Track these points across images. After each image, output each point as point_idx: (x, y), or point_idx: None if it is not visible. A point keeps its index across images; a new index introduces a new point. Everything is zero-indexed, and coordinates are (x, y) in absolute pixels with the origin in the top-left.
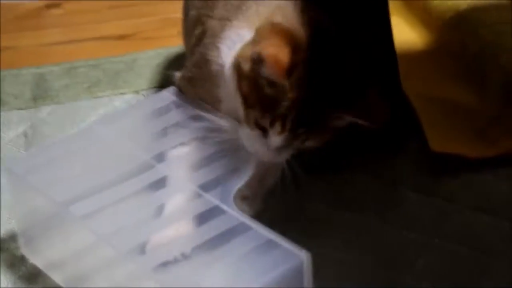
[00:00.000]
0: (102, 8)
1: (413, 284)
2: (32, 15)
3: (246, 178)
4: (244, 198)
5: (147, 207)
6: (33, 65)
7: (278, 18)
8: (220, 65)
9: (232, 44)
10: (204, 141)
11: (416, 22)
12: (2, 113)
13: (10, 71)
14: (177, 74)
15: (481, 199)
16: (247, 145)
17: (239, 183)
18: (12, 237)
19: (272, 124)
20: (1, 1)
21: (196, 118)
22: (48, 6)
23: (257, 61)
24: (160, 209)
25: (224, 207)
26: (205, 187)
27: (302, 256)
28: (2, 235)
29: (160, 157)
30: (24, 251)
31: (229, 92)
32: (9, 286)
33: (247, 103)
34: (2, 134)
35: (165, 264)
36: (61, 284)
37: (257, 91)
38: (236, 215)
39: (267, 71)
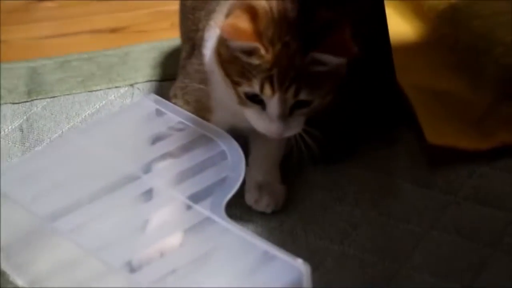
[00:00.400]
0: (94, 1)
1: (410, 275)
2: (24, 8)
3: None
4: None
5: (135, 220)
6: (26, 58)
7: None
8: (206, 72)
9: (211, 44)
10: (189, 150)
11: (409, 14)
12: None
13: (3, 65)
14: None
15: (479, 191)
16: (256, 127)
17: (229, 192)
18: None
19: (262, 89)
20: None
21: (180, 127)
22: None
23: (224, 34)
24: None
25: (216, 218)
26: (194, 198)
27: (302, 268)
28: None
29: (145, 168)
30: (4, 266)
31: (220, 99)
32: None
33: (233, 81)
34: None
35: (157, 280)
36: None
37: (237, 64)
38: (229, 226)
39: (233, 39)
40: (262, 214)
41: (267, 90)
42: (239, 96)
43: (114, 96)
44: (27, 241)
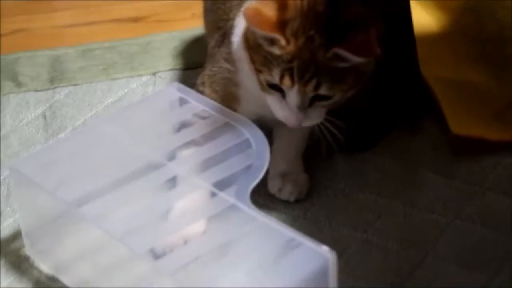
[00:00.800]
0: None
1: (435, 264)
2: None
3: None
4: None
5: (160, 207)
6: (47, 47)
7: None
8: (235, 60)
9: (240, 31)
10: (213, 138)
11: (433, 5)
12: (20, 94)
13: (25, 53)
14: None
15: (503, 182)
16: (276, 114)
17: (254, 180)
18: (16, 238)
19: (281, 80)
20: None
21: (204, 115)
22: None
23: (245, 18)
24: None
25: (241, 205)
26: (219, 185)
27: (328, 255)
28: (6, 237)
29: (169, 155)
30: (29, 252)
31: (247, 88)
32: (14, 287)
33: (256, 68)
34: (20, 116)
35: (180, 267)
36: (70, 285)
37: (260, 52)
38: (254, 214)
39: (253, 25)
40: (286, 202)
41: (287, 81)
42: (261, 83)
43: (136, 85)
44: (52, 227)
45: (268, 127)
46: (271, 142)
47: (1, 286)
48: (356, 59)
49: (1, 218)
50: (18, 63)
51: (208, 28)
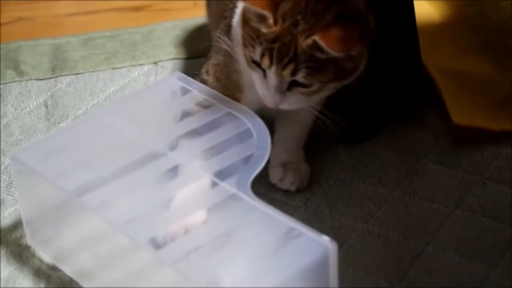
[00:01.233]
0: None
1: (435, 254)
2: None
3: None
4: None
5: (161, 197)
6: (50, 36)
7: None
8: (234, 45)
9: (239, 11)
10: (215, 127)
11: None
12: (21, 83)
13: (27, 42)
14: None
15: (504, 172)
16: (258, 92)
17: (255, 170)
18: (17, 228)
19: (261, 58)
20: None
21: (206, 104)
22: None
23: None
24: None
25: (242, 195)
26: (220, 175)
27: (328, 245)
28: (7, 226)
29: (171, 144)
30: (30, 242)
31: (248, 77)
32: (15, 276)
33: (243, 43)
34: (22, 105)
35: (181, 256)
36: (70, 274)
37: (248, 26)
38: (255, 203)
39: (249, 1)
40: (287, 192)
41: (266, 60)
42: (246, 59)
43: (138, 74)
44: (53, 216)
45: (270, 117)
46: (272, 132)
47: (2, 275)
48: (332, 52)
49: (3, 207)
50: (20, 52)
51: (212, 18)
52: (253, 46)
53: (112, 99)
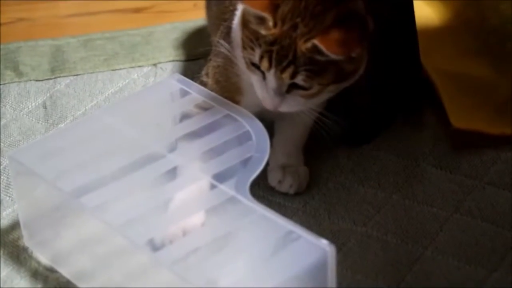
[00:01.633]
0: None
1: (434, 258)
2: None
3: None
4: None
5: (159, 198)
6: (49, 37)
7: None
8: (233, 48)
9: (239, 13)
10: (214, 130)
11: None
12: (20, 84)
13: (27, 43)
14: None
15: (503, 176)
16: (258, 95)
17: (254, 173)
18: (14, 229)
19: (260, 61)
20: None
21: (205, 106)
22: None
23: None
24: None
25: (240, 197)
26: (219, 177)
27: (327, 248)
28: (5, 227)
29: (170, 146)
30: (28, 243)
31: (247, 80)
32: (12, 277)
33: (243, 45)
34: (20, 105)
35: (179, 258)
36: (68, 276)
37: (248, 29)
38: (253, 206)
39: (248, 3)
40: (285, 195)
41: (265, 63)
42: (245, 61)
43: (137, 75)
44: (51, 217)
45: (270, 120)
46: (272, 134)
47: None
48: (331, 55)
49: (1, 208)
50: (19, 53)
51: (212, 20)
52: (252, 49)
53: (111, 101)
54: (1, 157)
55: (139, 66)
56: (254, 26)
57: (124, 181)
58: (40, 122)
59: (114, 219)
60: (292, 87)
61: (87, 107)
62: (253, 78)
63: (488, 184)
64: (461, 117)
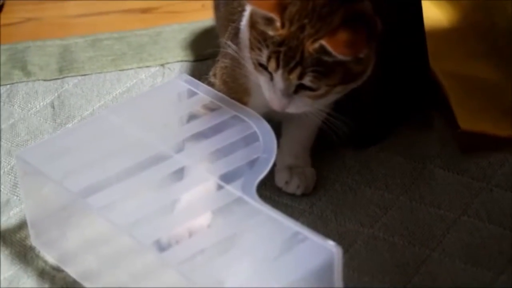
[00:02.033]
0: None
1: (441, 260)
2: None
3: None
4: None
5: (166, 199)
6: (57, 36)
7: None
8: (241, 48)
9: (247, 14)
10: (221, 130)
11: (442, 1)
12: (28, 83)
13: (35, 43)
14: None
15: (511, 178)
16: (265, 95)
17: (260, 174)
18: (22, 228)
19: (268, 61)
20: None
21: (212, 107)
22: None
23: None
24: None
25: (247, 198)
26: (226, 178)
27: (333, 250)
28: (12, 226)
29: (177, 147)
30: (35, 243)
31: (255, 80)
32: (19, 277)
33: (250, 46)
34: (28, 105)
35: (185, 259)
36: (74, 275)
37: (256, 30)
38: (260, 207)
39: (251, 2)
40: (292, 196)
41: (272, 64)
42: (253, 62)
43: (145, 76)
44: (57, 217)
45: (277, 121)
46: (279, 135)
47: (7, 275)
48: (339, 56)
49: (8, 207)
50: (27, 52)
51: (221, 21)
52: (260, 49)
53: (119, 101)
54: (9, 157)
55: (147, 66)
56: (261, 27)
57: (131, 181)
58: (48, 121)
59: (121, 219)
60: (300, 88)
61: (94, 107)
62: (261, 79)
63: (495, 186)
64: (469, 119)
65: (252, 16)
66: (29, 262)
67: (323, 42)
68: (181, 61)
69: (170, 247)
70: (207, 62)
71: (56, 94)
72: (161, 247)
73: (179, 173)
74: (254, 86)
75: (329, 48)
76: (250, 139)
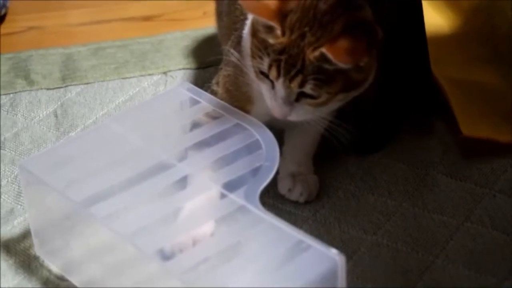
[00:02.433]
0: None
1: (445, 267)
2: None
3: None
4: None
5: (169, 208)
6: (60, 45)
7: None
8: (244, 56)
9: (249, 22)
10: (223, 139)
11: (444, 6)
12: (31, 92)
13: (38, 51)
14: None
15: None
16: (267, 103)
17: (263, 182)
18: (26, 237)
19: (269, 70)
20: None
21: (214, 115)
22: None
23: (244, 4)
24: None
25: (250, 207)
26: (229, 186)
27: (336, 258)
28: (16, 236)
29: (180, 155)
30: (38, 252)
31: (258, 88)
32: (23, 286)
33: (252, 55)
34: (32, 114)
35: (189, 268)
36: (78, 285)
37: (257, 38)
38: (263, 215)
39: (248, 9)
40: (295, 203)
41: (273, 72)
42: (254, 70)
43: (148, 84)
44: (61, 226)
45: (280, 129)
46: (282, 143)
47: (10, 285)
48: (339, 64)
49: (12, 216)
50: (30, 61)
51: (223, 30)
52: (261, 58)
53: (122, 109)
54: (13, 166)
55: (149, 74)
56: (262, 35)
57: (134, 190)
58: (51, 130)
59: (124, 228)
60: (301, 96)
61: (97, 116)
62: (262, 87)
63: (498, 192)
64: (470, 125)
65: (253, 24)
66: (33, 272)
67: (323, 50)
68: (183, 68)
69: (174, 256)
70: (209, 69)
71: (59, 103)
72: (165, 256)
73: (182, 182)
74: (257, 94)
75: (329, 55)
76: (252, 147)
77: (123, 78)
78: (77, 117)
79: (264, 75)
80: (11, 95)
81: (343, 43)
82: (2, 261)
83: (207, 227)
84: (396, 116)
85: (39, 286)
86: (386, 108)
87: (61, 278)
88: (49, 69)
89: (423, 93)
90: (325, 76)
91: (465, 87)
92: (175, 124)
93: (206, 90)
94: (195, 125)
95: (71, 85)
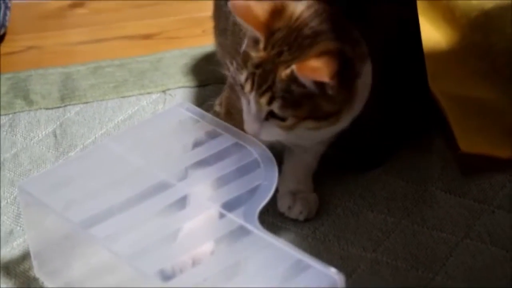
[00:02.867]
0: (126, 7)
1: (444, 283)
2: (56, 14)
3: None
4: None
5: (169, 228)
6: (59, 64)
7: None
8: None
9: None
10: (222, 158)
11: (441, 22)
12: (31, 112)
13: (37, 71)
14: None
15: None
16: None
17: (262, 201)
18: (25, 259)
19: (245, 82)
20: (25, 1)
21: (213, 135)
22: (72, 6)
23: (234, 9)
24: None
25: (249, 226)
26: (228, 206)
27: (336, 277)
28: (16, 257)
29: (179, 175)
30: (38, 273)
31: None
32: None
33: (237, 68)
34: (31, 134)
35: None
36: None
37: (244, 52)
38: (262, 235)
39: (238, 14)
40: (295, 221)
41: (248, 86)
42: (237, 83)
43: (146, 102)
44: (61, 247)
45: (281, 149)
46: (281, 162)
47: None
48: (299, 77)
49: (11, 238)
50: (29, 81)
51: (226, 50)
52: (241, 69)
53: (121, 128)
54: (12, 187)
55: (148, 93)
56: (249, 48)
57: (134, 211)
58: (50, 150)
59: (124, 249)
60: (270, 115)
61: (96, 135)
62: (242, 101)
63: (497, 208)
64: (470, 141)
65: (247, 40)
66: None
67: (293, 67)
68: (183, 87)
69: (175, 276)
70: (209, 87)
71: (58, 123)
72: (166, 276)
73: (182, 201)
74: None
75: (295, 70)
76: (251, 166)
77: (122, 97)
78: (76, 136)
79: (242, 88)
80: (10, 115)
81: (311, 62)
82: (1, 283)
83: (207, 247)
84: (395, 133)
85: None
86: (386, 125)
87: None
88: (48, 89)
89: (422, 109)
90: (292, 97)
91: (462, 102)
92: (174, 143)
93: (208, 110)
94: (195, 145)
95: (70, 104)
